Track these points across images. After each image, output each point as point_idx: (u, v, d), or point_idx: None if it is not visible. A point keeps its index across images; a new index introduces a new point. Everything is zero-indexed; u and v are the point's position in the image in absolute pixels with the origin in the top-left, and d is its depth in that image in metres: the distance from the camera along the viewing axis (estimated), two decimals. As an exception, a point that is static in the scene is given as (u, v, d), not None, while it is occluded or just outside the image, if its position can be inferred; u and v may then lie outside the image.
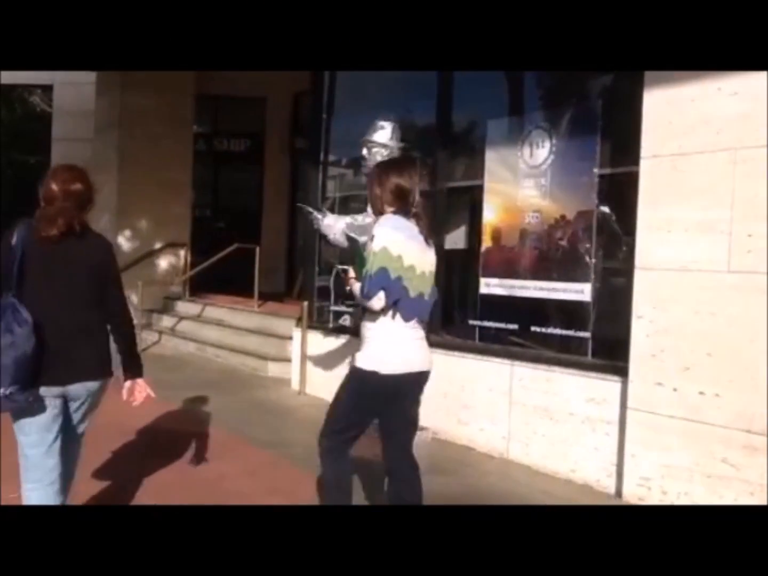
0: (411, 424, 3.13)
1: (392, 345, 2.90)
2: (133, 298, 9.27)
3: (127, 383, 2.91)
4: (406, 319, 2.89)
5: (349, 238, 4.37)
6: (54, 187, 2.74)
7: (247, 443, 4.92)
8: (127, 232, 10.08)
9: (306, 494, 3.97)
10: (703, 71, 3.62)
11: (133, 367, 2.92)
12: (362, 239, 4.13)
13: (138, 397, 2.91)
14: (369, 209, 4.16)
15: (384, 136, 4.41)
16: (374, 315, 2.91)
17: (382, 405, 2.98)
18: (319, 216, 4.41)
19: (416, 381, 3.01)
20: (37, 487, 2.76)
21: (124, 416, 5.31)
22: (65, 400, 2.75)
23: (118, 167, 10.05)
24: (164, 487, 3.89)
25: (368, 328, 2.96)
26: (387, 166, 3.08)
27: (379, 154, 4.44)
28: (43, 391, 2.66)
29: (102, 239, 2.92)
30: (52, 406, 2.69)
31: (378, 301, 2.83)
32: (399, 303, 2.86)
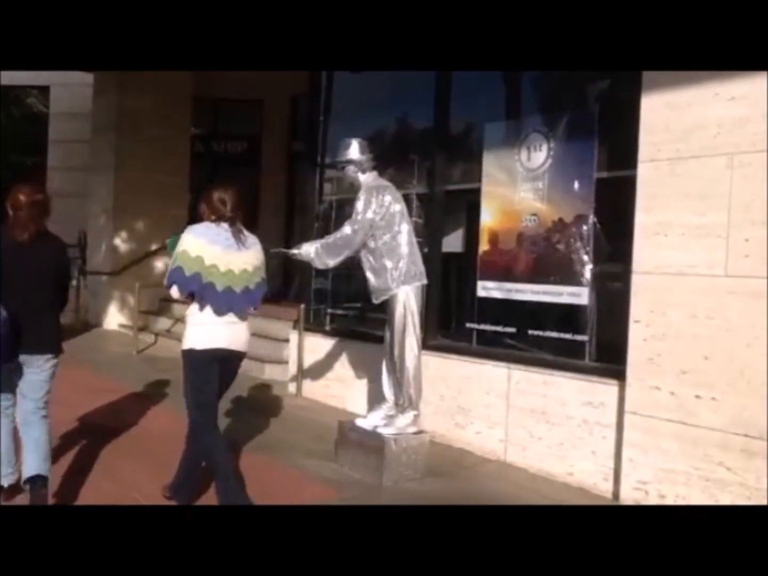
0: (219, 398, 3.71)
1: (202, 326, 3.54)
2: (130, 300, 9.27)
3: None
4: (217, 311, 3.51)
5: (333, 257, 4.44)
6: (21, 197, 3.38)
7: (242, 446, 4.91)
8: (124, 234, 10.06)
9: (300, 496, 3.96)
10: (700, 77, 3.64)
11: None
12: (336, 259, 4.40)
13: None
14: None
15: (352, 152, 4.49)
16: (191, 306, 3.59)
17: (209, 376, 3.57)
18: (296, 251, 4.52)
19: (228, 358, 3.60)
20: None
21: (118, 417, 5.31)
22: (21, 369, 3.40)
23: (115, 169, 10.02)
24: (157, 488, 3.87)
25: (187, 317, 3.66)
26: (209, 187, 3.75)
27: (351, 170, 4.51)
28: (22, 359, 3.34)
29: (59, 241, 3.62)
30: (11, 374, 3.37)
31: (174, 292, 3.55)
32: (206, 296, 3.49)
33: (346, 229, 4.33)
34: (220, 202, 3.61)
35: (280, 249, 4.95)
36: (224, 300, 3.50)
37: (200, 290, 3.49)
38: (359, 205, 4.33)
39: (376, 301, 4.44)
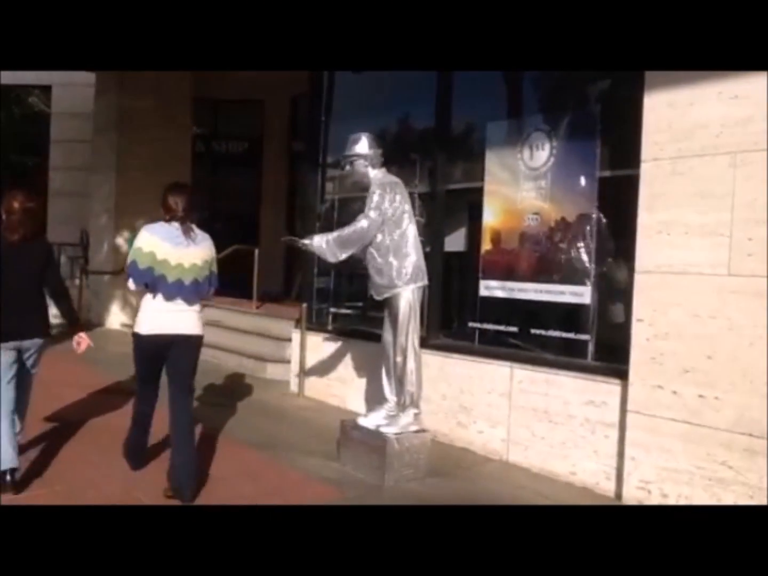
0: (180, 375, 3.96)
1: (149, 313, 3.89)
2: (132, 299, 9.26)
3: (75, 337, 4.07)
4: (166, 297, 3.85)
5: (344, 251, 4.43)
6: (14, 204, 3.86)
7: (244, 445, 4.90)
8: (126, 233, 10.05)
9: (302, 496, 3.96)
10: (702, 76, 3.63)
11: (74, 326, 4.13)
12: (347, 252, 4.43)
13: (82, 346, 4.07)
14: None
15: (362, 146, 4.47)
16: (145, 294, 3.92)
17: (150, 358, 3.97)
18: (307, 241, 4.50)
19: (176, 342, 3.88)
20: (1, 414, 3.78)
21: (118, 416, 5.31)
22: (19, 351, 3.86)
23: (117, 169, 10.04)
24: (158, 487, 3.87)
25: (141, 303, 3.98)
26: (165, 189, 4.10)
27: (362, 165, 4.49)
28: (4, 345, 3.78)
29: (46, 242, 4.15)
30: (10, 355, 3.81)
31: (130, 283, 3.93)
32: (157, 286, 3.83)
33: (362, 222, 4.32)
34: (173, 203, 3.96)
35: (291, 237, 4.91)
36: (174, 288, 3.85)
37: (152, 282, 3.85)
38: (374, 198, 4.33)
39: (378, 297, 4.42)
